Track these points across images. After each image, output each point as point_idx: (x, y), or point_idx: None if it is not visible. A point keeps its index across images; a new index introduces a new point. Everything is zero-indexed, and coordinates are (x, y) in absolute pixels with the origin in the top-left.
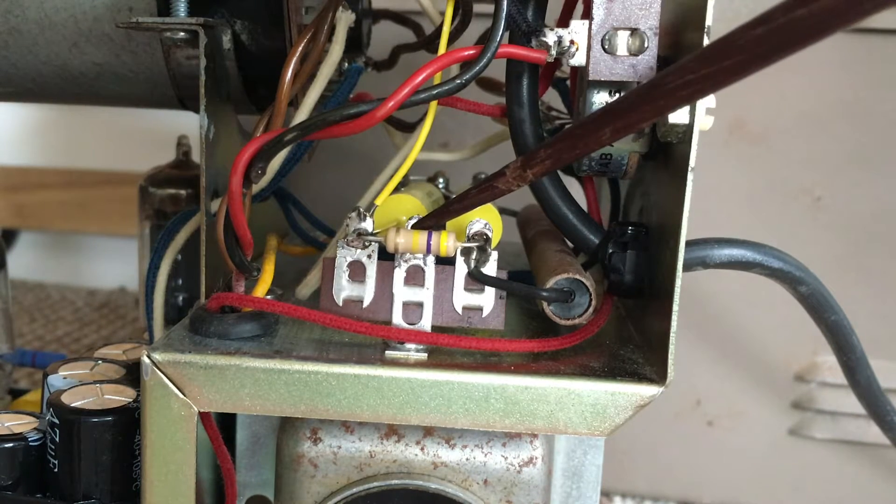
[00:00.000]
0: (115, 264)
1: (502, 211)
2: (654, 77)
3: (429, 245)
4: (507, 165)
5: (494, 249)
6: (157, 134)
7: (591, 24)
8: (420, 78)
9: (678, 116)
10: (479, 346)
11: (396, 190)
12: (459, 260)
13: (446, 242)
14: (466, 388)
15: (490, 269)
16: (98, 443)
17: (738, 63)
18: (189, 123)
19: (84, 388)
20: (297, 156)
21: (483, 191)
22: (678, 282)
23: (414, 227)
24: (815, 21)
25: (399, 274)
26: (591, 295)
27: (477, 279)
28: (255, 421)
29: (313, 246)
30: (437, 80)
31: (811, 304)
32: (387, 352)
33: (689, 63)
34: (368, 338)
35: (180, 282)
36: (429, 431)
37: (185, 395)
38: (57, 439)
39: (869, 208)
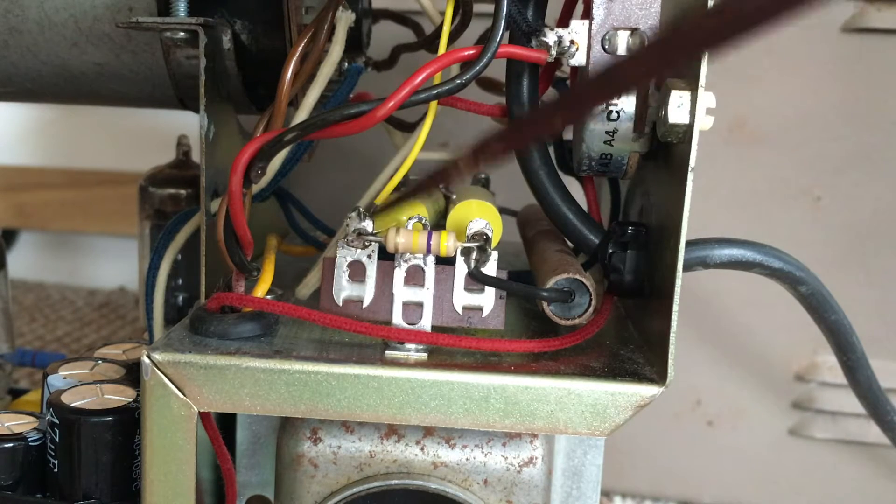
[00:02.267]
0: (115, 264)
1: (502, 211)
2: (606, 68)
3: (429, 245)
4: (457, 157)
5: (494, 249)
6: (157, 134)
7: (591, 24)
8: (420, 78)
9: (678, 116)
10: (479, 346)
11: (396, 190)
12: (459, 260)
13: (446, 242)
14: (466, 388)
15: (490, 269)
16: (98, 443)
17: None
18: (189, 123)
19: (84, 388)
20: (297, 156)
21: (439, 176)
22: (678, 282)
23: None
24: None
25: (399, 274)
26: (591, 295)
27: (477, 279)
28: (255, 421)
29: (313, 246)
30: (437, 80)
31: (811, 304)
32: (387, 352)
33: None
34: (368, 338)
35: (180, 282)
36: (429, 431)
37: (185, 395)
38: (57, 439)
39: (869, 208)
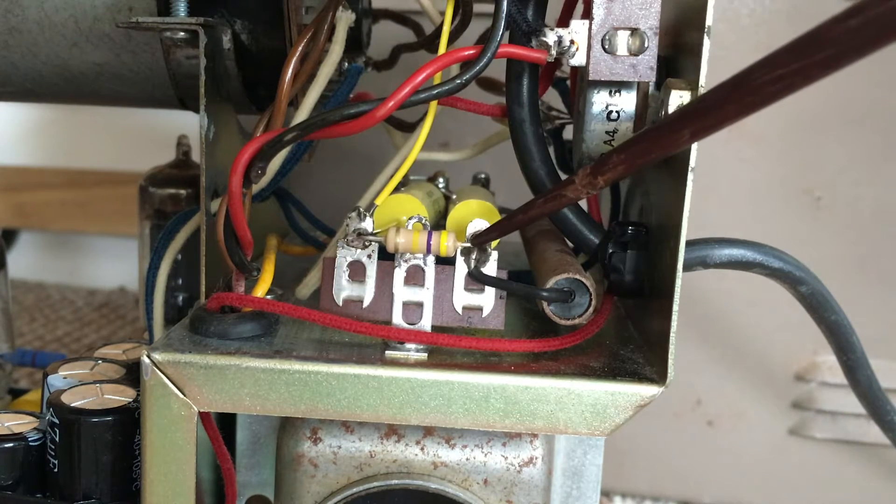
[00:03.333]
0: (115, 264)
1: (502, 211)
2: (739, 73)
3: (429, 245)
4: (576, 173)
5: (494, 249)
6: (157, 134)
7: (591, 24)
8: (420, 78)
9: None
10: (479, 346)
11: (396, 190)
12: (459, 260)
13: (446, 242)
14: (466, 388)
15: (490, 269)
16: (98, 443)
17: (830, 56)
18: (189, 123)
19: (84, 388)
20: (297, 156)
21: (550, 199)
22: (678, 282)
23: (474, 238)
24: None
25: (399, 274)
26: (591, 295)
27: (477, 279)
28: (255, 421)
29: (313, 246)
30: (437, 79)
31: (811, 304)
32: (387, 352)
33: (779, 57)
34: (368, 338)
35: (180, 282)
36: (429, 431)
37: (185, 395)
38: (57, 439)
39: (869, 208)
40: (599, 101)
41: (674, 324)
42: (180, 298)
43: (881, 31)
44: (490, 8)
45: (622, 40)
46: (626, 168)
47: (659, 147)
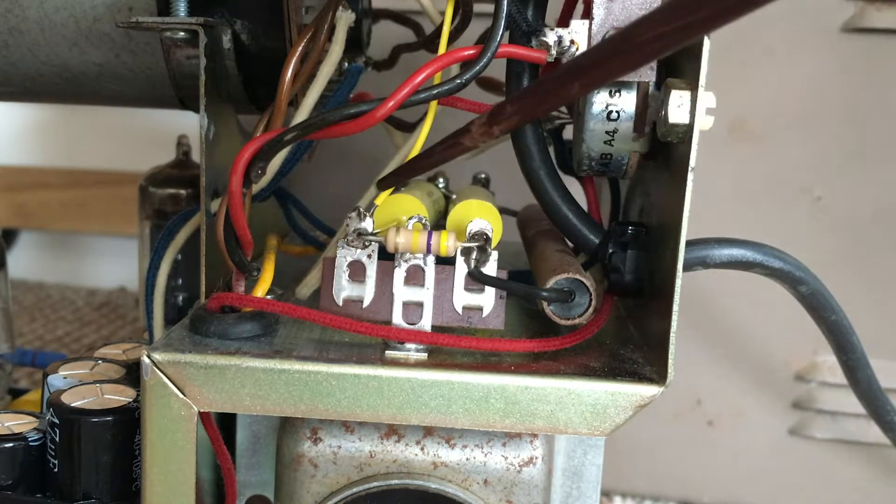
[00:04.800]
0: (115, 264)
1: (502, 211)
2: (623, 29)
3: (429, 245)
4: (471, 122)
5: (494, 249)
6: (157, 134)
7: (591, 24)
8: (420, 78)
9: (678, 116)
10: (479, 346)
11: (396, 190)
12: (459, 260)
13: (446, 242)
14: (466, 388)
15: (490, 269)
16: (98, 443)
17: (713, 13)
18: (189, 123)
19: (84, 387)
20: (297, 155)
21: (449, 147)
22: (678, 282)
23: (378, 182)
24: None
25: (399, 274)
26: (591, 295)
27: (477, 279)
28: (255, 421)
29: (313, 246)
30: (437, 79)
31: (811, 304)
32: (387, 352)
33: (661, 14)
34: (368, 338)
35: (180, 282)
36: (429, 431)
37: (185, 395)
38: (57, 439)
39: (869, 208)
40: (599, 101)
41: (674, 324)
42: (180, 298)
43: None
44: (490, 8)
45: None
46: (520, 118)
47: (550, 98)
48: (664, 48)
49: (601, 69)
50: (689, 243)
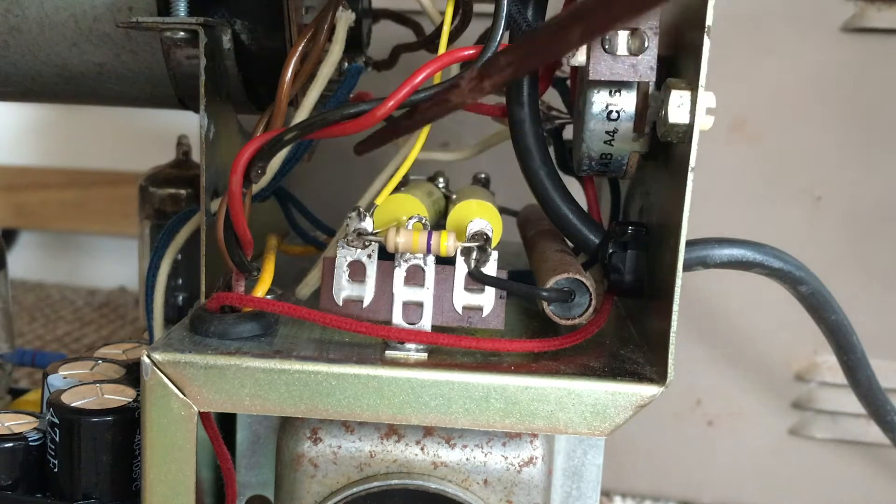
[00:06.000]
0: (115, 264)
1: (502, 211)
2: None
3: (429, 245)
4: (460, 75)
5: (494, 249)
6: (157, 134)
7: None
8: (420, 78)
9: (678, 116)
10: (479, 346)
11: (396, 190)
12: (459, 260)
13: (446, 242)
14: (466, 388)
15: (490, 269)
16: (98, 443)
17: None
18: (189, 123)
19: (84, 387)
20: (297, 155)
21: (437, 104)
22: (678, 282)
23: (356, 147)
24: None
25: (399, 274)
26: (591, 295)
27: (477, 279)
28: (255, 421)
29: (313, 246)
30: (437, 79)
31: (811, 303)
32: (387, 352)
33: None
34: (368, 338)
35: (180, 282)
36: (429, 431)
37: (185, 395)
38: (57, 439)
39: (869, 207)
40: (599, 101)
41: (674, 324)
42: (180, 298)
43: None
44: (490, 8)
45: (622, 40)
46: (514, 71)
47: (548, 48)
48: None
49: (606, 12)
50: (689, 243)
